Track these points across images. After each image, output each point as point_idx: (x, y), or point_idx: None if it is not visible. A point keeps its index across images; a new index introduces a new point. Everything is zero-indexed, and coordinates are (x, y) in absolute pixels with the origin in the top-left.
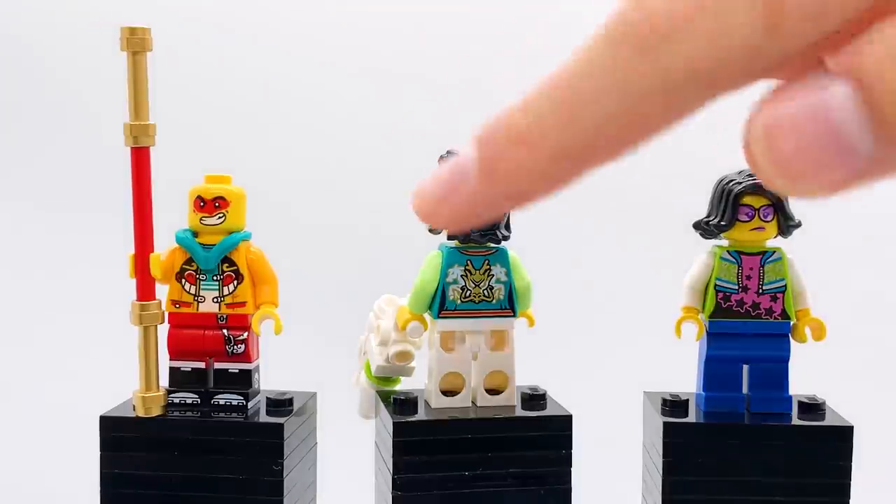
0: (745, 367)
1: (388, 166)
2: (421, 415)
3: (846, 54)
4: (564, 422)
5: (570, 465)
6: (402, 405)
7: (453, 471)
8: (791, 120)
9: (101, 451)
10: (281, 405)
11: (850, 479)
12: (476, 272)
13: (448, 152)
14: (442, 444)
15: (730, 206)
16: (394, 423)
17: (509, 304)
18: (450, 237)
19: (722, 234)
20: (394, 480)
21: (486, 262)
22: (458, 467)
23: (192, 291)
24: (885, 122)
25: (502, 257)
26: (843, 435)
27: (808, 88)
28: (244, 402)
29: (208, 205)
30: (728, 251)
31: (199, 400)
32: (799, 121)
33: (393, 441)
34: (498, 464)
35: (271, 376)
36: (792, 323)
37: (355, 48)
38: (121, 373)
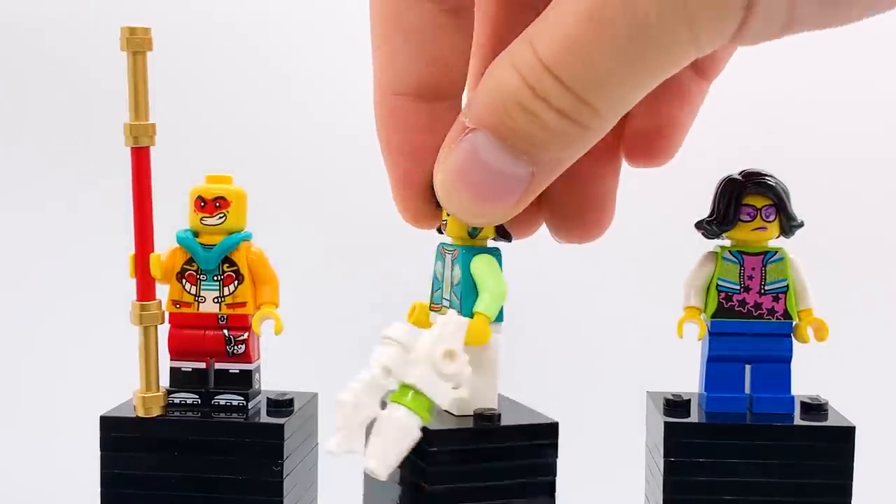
0: (748, 368)
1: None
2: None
3: (468, 109)
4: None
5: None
6: None
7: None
8: (459, 170)
9: (101, 451)
10: (281, 406)
11: (852, 480)
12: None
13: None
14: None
15: (732, 206)
16: None
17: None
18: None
19: (724, 234)
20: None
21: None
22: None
23: (193, 291)
24: (515, 148)
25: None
26: (846, 435)
27: (458, 143)
28: (245, 402)
29: (209, 205)
30: (730, 251)
31: (199, 400)
32: (464, 169)
33: None
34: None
35: (272, 377)
36: (794, 323)
37: (357, 48)
38: (121, 373)
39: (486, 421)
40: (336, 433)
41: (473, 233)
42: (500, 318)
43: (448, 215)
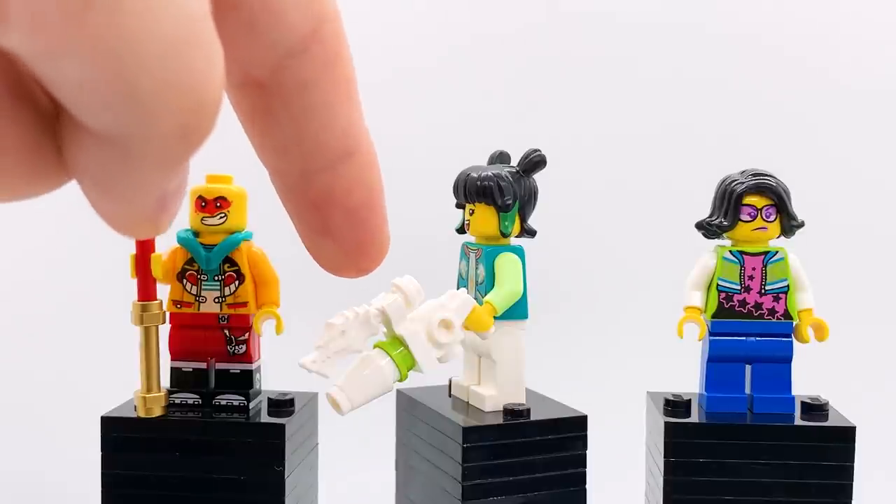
0: (748, 368)
1: (390, 166)
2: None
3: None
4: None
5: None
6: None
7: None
8: None
9: (102, 451)
10: (282, 406)
11: (853, 480)
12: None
13: (500, 153)
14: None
15: (732, 206)
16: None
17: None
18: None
19: (724, 234)
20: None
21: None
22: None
23: (194, 292)
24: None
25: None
26: (846, 435)
27: None
28: (245, 402)
29: (209, 205)
30: (730, 251)
31: (200, 401)
32: None
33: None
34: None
35: (272, 377)
36: (794, 323)
37: (358, 48)
38: (122, 373)
39: (516, 416)
40: (314, 351)
41: (505, 231)
42: (524, 314)
43: (471, 214)
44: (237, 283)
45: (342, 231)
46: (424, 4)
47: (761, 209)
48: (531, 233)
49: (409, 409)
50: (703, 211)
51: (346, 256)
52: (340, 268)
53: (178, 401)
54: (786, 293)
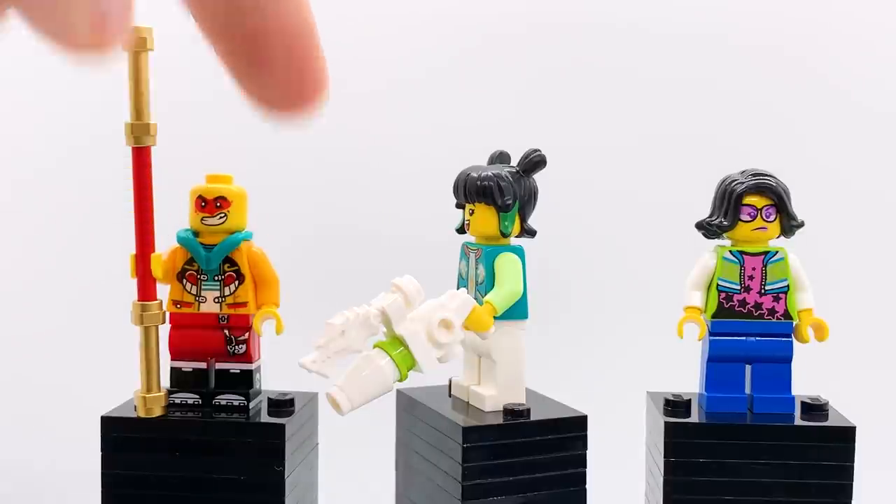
0: (748, 368)
1: (390, 166)
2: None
3: None
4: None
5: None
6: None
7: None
8: None
9: (101, 451)
10: (282, 406)
11: (853, 481)
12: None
13: (500, 153)
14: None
15: (732, 205)
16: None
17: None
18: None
19: (724, 234)
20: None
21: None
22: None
23: (194, 291)
24: None
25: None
26: (846, 435)
27: None
28: (245, 402)
29: (209, 205)
30: (730, 251)
31: (200, 400)
32: None
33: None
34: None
35: (273, 377)
36: (794, 323)
37: (355, 48)
38: (121, 373)
39: (516, 416)
40: (314, 351)
41: (505, 231)
42: (524, 314)
43: (471, 214)
44: (237, 283)
45: (278, 57)
46: (426, 6)
47: (761, 209)
48: (531, 233)
49: (409, 409)
50: (703, 211)
51: (283, 88)
52: (277, 101)
53: (178, 401)
54: (786, 293)
